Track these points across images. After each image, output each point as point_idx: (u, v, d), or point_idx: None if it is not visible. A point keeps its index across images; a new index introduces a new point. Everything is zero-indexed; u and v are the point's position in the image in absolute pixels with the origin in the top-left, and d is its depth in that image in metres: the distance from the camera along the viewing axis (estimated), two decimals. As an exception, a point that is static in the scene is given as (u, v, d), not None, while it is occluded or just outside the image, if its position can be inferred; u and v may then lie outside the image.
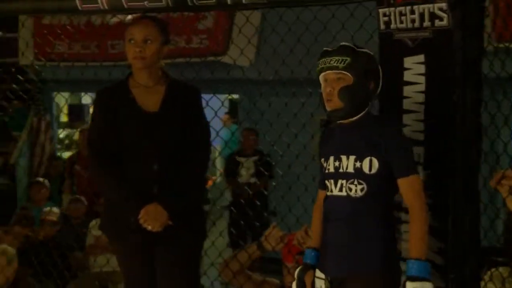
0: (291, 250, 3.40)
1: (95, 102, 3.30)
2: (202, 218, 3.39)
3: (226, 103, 8.90)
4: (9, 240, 5.76)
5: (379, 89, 2.70)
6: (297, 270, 2.91)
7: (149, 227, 3.00)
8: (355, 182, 2.63)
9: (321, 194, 2.85)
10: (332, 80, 2.63)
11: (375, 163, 2.60)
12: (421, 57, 2.80)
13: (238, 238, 5.48)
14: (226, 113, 9.82)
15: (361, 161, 2.62)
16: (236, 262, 3.58)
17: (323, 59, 2.65)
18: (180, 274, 3.18)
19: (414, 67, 2.82)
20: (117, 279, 5.05)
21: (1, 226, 6.41)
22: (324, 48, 2.71)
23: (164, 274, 3.18)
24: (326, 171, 2.73)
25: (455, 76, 2.71)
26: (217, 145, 8.93)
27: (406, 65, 2.85)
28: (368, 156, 2.61)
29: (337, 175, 2.68)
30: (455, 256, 2.75)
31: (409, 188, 2.60)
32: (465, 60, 2.71)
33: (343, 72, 2.59)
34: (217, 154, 9.40)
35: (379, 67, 2.69)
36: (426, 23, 2.74)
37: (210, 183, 8.03)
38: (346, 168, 2.65)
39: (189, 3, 3.26)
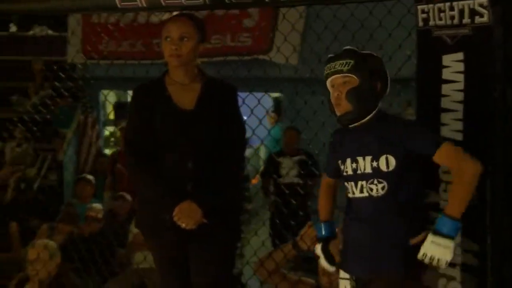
0: None
1: (132, 100, 3.28)
2: (237, 216, 3.35)
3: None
4: (53, 236, 5.87)
5: (388, 89, 2.70)
6: (318, 247, 2.94)
7: (183, 225, 2.98)
8: (375, 182, 2.63)
9: (325, 180, 2.99)
10: (338, 84, 2.66)
11: (392, 160, 2.59)
12: (460, 55, 2.74)
13: (278, 237, 5.44)
14: (273, 111, 9.78)
15: (377, 160, 2.62)
16: (272, 261, 3.57)
17: (329, 65, 2.69)
18: (214, 272, 3.15)
19: (453, 65, 2.76)
20: (153, 276, 5.05)
21: (48, 222, 6.55)
22: (329, 55, 2.74)
23: (198, 272, 3.16)
24: (345, 173, 2.75)
25: (496, 73, 2.65)
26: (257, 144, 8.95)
27: (444, 63, 2.79)
28: (383, 154, 2.61)
29: (356, 177, 2.69)
30: (494, 258, 2.67)
31: (447, 156, 2.56)
32: (506, 57, 2.64)
33: (348, 74, 2.62)
34: (262, 152, 9.43)
35: (385, 68, 2.69)
36: (466, 20, 2.68)
37: (254, 181, 7.98)
38: (364, 169, 2.66)
39: (227, 1, 3.24)
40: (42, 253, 4.59)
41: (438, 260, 2.48)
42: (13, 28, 10.39)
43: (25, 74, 9.00)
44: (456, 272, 2.75)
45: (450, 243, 2.46)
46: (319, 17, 3.68)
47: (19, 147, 8.20)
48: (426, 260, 2.50)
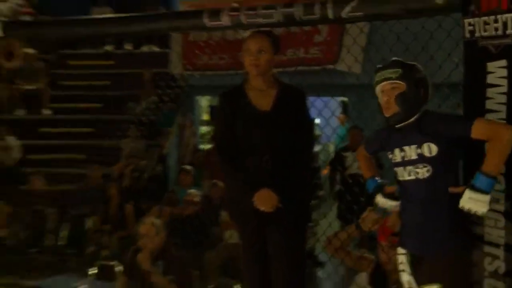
0: (385, 231, 3.29)
1: (218, 104, 3.29)
2: (307, 202, 3.29)
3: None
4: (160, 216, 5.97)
5: (429, 96, 2.65)
6: (379, 199, 2.88)
7: (262, 208, 2.97)
8: (420, 166, 2.59)
9: (362, 152, 3.02)
10: (387, 90, 2.63)
11: (433, 147, 2.56)
12: (503, 62, 2.60)
13: (343, 219, 5.38)
14: (342, 113, 9.71)
15: (421, 148, 2.58)
16: (338, 240, 3.52)
17: (379, 73, 2.67)
18: (288, 252, 3.11)
19: (497, 71, 2.63)
20: (240, 250, 5.09)
21: (155, 205, 6.68)
22: (378, 65, 2.70)
23: (275, 248, 3.12)
24: (393, 161, 2.72)
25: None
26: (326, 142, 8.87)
27: (489, 69, 2.65)
28: (425, 142, 2.57)
29: (404, 163, 2.66)
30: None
31: (482, 127, 2.48)
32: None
33: (397, 81, 2.59)
34: (330, 148, 9.37)
35: (427, 77, 2.64)
36: (509, 31, 2.55)
37: (324, 172, 7.92)
38: (410, 156, 2.62)
39: (297, 19, 3.22)
40: (150, 229, 4.65)
41: (475, 212, 2.42)
42: (127, 46, 10.64)
43: (137, 83, 9.20)
44: (500, 252, 2.62)
45: (485, 198, 2.40)
46: (378, 32, 3.60)
47: (133, 144, 8.37)
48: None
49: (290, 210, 3.03)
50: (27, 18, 9.42)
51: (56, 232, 7.21)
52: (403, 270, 2.72)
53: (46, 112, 9.46)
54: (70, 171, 8.21)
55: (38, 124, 9.29)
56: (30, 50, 9.68)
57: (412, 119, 2.61)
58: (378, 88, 2.67)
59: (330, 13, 3.16)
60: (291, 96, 3.14)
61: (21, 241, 7.15)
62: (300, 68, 5.60)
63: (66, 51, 10.54)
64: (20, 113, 9.39)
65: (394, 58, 2.68)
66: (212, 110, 9.47)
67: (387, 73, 2.62)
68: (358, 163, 6.74)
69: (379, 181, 2.92)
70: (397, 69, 2.60)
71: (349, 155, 6.93)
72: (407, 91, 2.58)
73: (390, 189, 2.85)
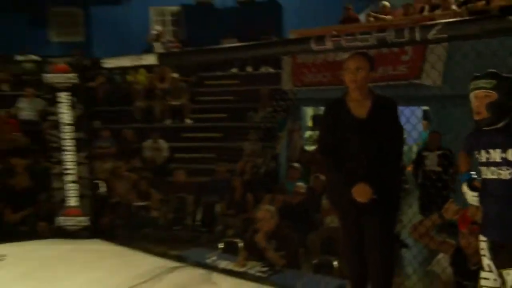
0: (465, 220, 3.09)
1: (324, 111, 3.26)
2: (398, 194, 3.18)
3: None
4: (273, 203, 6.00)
5: None
6: (464, 187, 2.69)
7: (359, 199, 2.91)
8: (504, 168, 2.43)
9: (463, 152, 2.76)
10: (481, 97, 2.47)
11: None
12: None
13: (426, 208, 5.15)
14: (424, 119, 9.30)
15: (505, 152, 2.42)
16: (423, 227, 3.37)
17: (475, 82, 2.51)
18: (381, 236, 3.03)
19: None
20: (338, 232, 4.99)
21: (268, 195, 6.74)
22: (475, 74, 2.55)
23: (370, 235, 3.06)
24: (479, 160, 2.56)
25: None
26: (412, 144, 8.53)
27: None
28: (510, 148, 2.41)
29: (488, 164, 2.51)
30: None
31: None
32: None
33: (490, 91, 2.44)
34: (414, 148, 9.00)
35: None
36: None
37: (409, 169, 7.63)
38: (495, 159, 2.46)
39: (388, 41, 3.13)
40: (266, 214, 4.67)
41: None
42: (249, 69, 10.79)
43: (256, 98, 9.32)
44: None
45: None
46: (459, 49, 3.40)
47: (253, 145, 8.46)
48: None
49: (382, 201, 2.95)
50: (174, 50, 9.84)
51: (193, 214, 7.34)
52: (484, 255, 2.57)
53: (187, 121, 9.76)
54: (204, 167, 8.36)
55: (181, 131, 9.57)
56: (176, 74, 10.12)
57: (500, 125, 2.47)
58: (472, 94, 2.53)
59: (417, 36, 3.06)
60: (384, 105, 3.06)
61: (168, 221, 7.35)
62: (391, 83, 5.45)
63: (203, 74, 10.83)
64: (168, 122, 9.74)
65: (490, 70, 2.53)
66: (315, 118, 9.38)
67: (482, 83, 2.48)
68: (433, 160, 6.62)
69: (471, 175, 2.75)
70: (492, 80, 2.46)
71: (428, 155, 6.69)
72: (497, 100, 2.44)
73: (477, 183, 2.68)
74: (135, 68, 9.27)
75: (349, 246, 3.19)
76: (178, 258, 4.75)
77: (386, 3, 9.13)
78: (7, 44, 10.85)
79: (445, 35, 2.99)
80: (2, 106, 9.29)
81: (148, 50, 10.04)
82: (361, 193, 2.92)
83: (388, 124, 3.01)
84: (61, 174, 5.50)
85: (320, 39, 3.45)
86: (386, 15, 8.82)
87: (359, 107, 3.05)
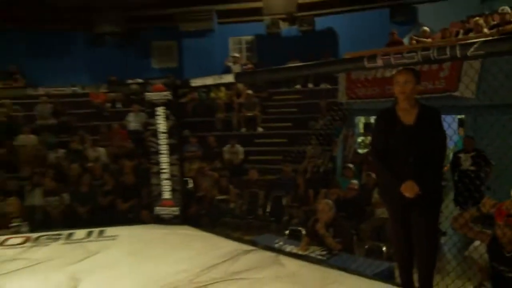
0: (501, 213, 2.90)
1: (376, 118, 3.18)
2: (440, 191, 3.04)
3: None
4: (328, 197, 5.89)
5: None
6: None
7: (407, 195, 2.82)
8: None
9: None
10: None
11: None
12: None
13: (462, 203, 4.87)
14: (459, 126, 8.81)
15: None
16: (463, 218, 3.18)
17: None
18: (426, 225, 2.93)
19: None
20: (387, 223, 4.81)
21: (324, 189, 6.62)
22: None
23: (417, 226, 2.95)
24: None
25: None
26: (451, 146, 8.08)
27: None
28: None
29: None
30: None
31: None
32: None
33: None
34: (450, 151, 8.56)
35: None
36: None
37: (445, 169, 7.27)
38: None
39: (432, 58, 3.00)
40: (325, 206, 4.63)
41: None
42: (310, 85, 10.65)
43: (316, 109, 9.22)
44: None
45: None
46: (495, 63, 3.18)
47: (314, 149, 8.36)
48: None
49: (427, 196, 2.84)
50: (248, 71, 9.99)
51: (264, 206, 7.39)
52: None
53: (259, 129, 9.82)
54: (272, 167, 8.36)
55: (254, 137, 9.65)
56: (250, 91, 10.25)
57: None
58: None
59: (458, 53, 2.92)
60: (429, 113, 2.95)
61: (243, 211, 7.43)
62: (433, 95, 5.21)
63: (272, 90, 10.89)
64: (243, 130, 9.86)
65: None
66: (366, 125, 9.15)
67: None
68: (467, 161, 6.25)
69: None
70: None
71: (462, 156, 6.35)
72: None
73: None
74: (217, 86, 9.49)
75: (397, 235, 3.07)
76: (251, 243, 4.78)
77: (426, 28, 8.90)
78: (120, 70, 11.70)
79: (482, 52, 2.85)
80: (117, 119, 9.85)
81: (227, 71, 10.25)
82: (409, 189, 2.82)
83: (433, 130, 2.90)
84: (158, 173, 5.72)
85: (372, 57, 3.38)
86: (426, 38, 8.49)
87: (407, 115, 2.96)
